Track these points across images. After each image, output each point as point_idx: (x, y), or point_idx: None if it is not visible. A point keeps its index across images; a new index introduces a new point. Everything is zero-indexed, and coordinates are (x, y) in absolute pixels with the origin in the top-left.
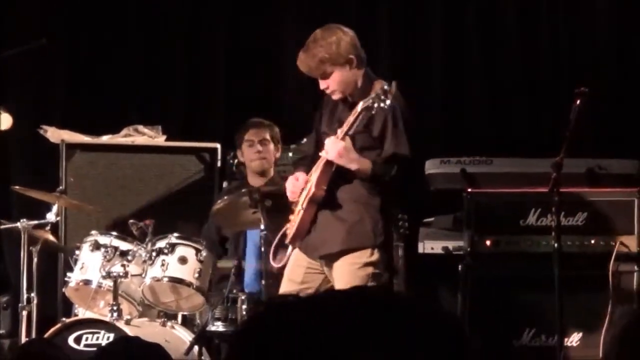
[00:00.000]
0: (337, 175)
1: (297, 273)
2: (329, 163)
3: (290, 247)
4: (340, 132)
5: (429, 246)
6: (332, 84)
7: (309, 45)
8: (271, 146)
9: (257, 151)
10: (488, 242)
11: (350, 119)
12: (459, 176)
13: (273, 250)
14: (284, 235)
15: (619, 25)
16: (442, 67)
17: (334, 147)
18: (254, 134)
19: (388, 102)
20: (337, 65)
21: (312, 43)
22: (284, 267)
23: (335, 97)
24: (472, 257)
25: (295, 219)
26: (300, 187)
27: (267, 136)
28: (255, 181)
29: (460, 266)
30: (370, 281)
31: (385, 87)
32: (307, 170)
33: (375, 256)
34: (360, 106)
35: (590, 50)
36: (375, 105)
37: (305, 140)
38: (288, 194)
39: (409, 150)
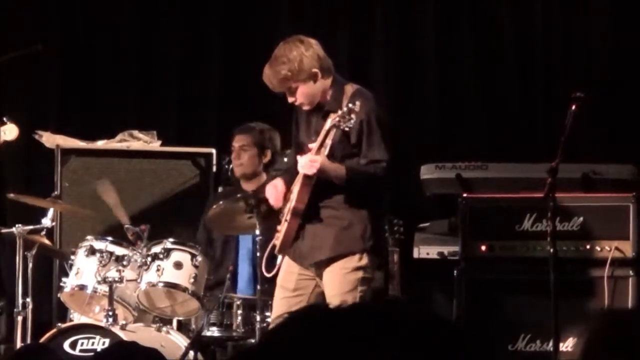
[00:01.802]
0: (323, 183)
1: (289, 280)
2: (307, 177)
3: (280, 256)
4: (315, 147)
5: (424, 251)
6: (299, 98)
7: (271, 62)
8: (251, 152)
9: (235, 157)
10: (483, 247)
11: (321, 135)
12: (455, 181)
13: (266, 260)
14: (274, 246)
15: (613, 30)
16: (438, 72)
17: (311, 164)
18: (236, 140)
19: (352, 121)
20: (300, 82)
21: (274, 60)
22: (277, 273)
23: (305, 108)
24: (467, 262)
25: (281, 230)
26: (282, 193)
27: (247, 142)
28: (246, 186)
29: (455, 271)
30: (360, 285)
31: (350, 105)
32: (288, 179)
33: (365, 260)
34: (328, 123)
35: (584, 54)
36: (342, 125)
37: (288, 151)
38: (270, 201)
39: (387, 155)
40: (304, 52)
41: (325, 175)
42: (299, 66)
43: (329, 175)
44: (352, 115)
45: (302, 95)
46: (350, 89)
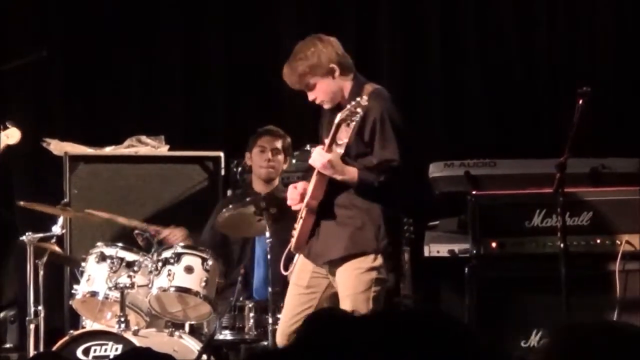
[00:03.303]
0: (336, 182)
1: (303, 278)
2: (321, 173)
3: (296, 255)
4: (327, 144)
5: (435, 249)
6: (319, 95)
7: (289, 60)
8: (281, 156)
9: (267, 159)
10: (494, 244)
11: (331, 131)
12: (463, 179)
13: (284, 260)
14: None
15: (619, 24)
16: (444, 71)
17: (319, 159)
18: (267, 142)
19: (359, 115)
20: (318, 77)
21: (292, 57)
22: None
23: (326, 107)
24: (478, 259)
25: (297, 227)
26: (298, 194)
27: (279, 146)
28: (259, 187)
29: (466, 269)
30: (374, 286)
31: (358, 99)
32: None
33: (379, 261)
34: (337, 118)
35: (590, 49)
36: (349, 119)
37: (296, 153)
38: (288, 201)
39: (398, 155)
40: (322, 48)
41: (331, 171)
42: (317, 61)
43: (336, 174)
44: (359, 109)
45: (321, 91)
46: (369, 88)
